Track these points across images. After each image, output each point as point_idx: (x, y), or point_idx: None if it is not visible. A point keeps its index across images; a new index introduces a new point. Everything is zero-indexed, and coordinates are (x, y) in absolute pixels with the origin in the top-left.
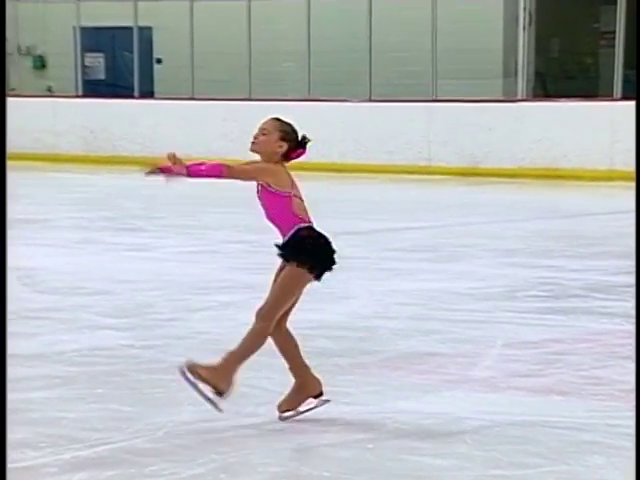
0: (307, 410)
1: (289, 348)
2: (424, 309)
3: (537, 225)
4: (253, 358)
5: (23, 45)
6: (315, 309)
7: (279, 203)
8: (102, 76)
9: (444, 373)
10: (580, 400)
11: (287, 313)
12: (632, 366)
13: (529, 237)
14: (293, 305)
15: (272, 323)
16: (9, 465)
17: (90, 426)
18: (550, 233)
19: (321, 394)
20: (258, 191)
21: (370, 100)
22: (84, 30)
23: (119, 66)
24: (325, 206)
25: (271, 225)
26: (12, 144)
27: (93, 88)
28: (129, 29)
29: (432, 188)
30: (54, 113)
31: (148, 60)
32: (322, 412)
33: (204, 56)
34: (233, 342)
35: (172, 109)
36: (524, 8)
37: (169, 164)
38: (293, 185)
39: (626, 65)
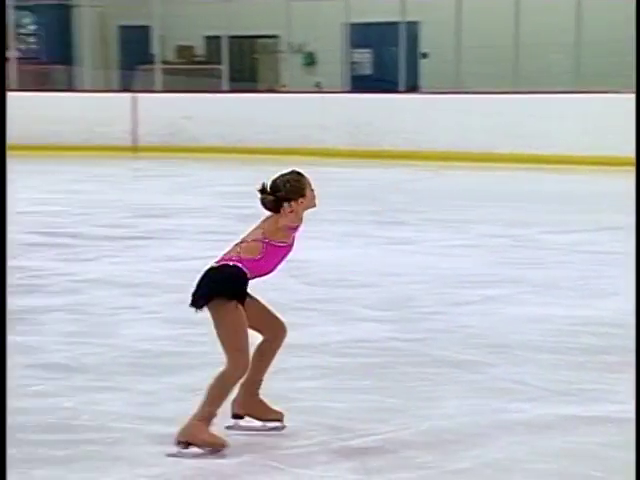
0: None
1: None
2: None
3: None
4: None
5: (294, 42)
6: (580, 305)
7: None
8: (369, 71)
9: None
10: None
11: None
12: None
13: None
14: None
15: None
16: (281, 451)
17: (357, 417)
18: None
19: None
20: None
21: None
22: (353, 26)
23: (385, 61)
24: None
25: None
26: (282, 139)
27: (360, 83)
28: (396, 24)
29: None
30: (322, 108)
31: (414, 55)
32: (588, 410)
33: (470, 50)
34: (497, 336)
35: (437, 103)
36: None
37: None
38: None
39: None
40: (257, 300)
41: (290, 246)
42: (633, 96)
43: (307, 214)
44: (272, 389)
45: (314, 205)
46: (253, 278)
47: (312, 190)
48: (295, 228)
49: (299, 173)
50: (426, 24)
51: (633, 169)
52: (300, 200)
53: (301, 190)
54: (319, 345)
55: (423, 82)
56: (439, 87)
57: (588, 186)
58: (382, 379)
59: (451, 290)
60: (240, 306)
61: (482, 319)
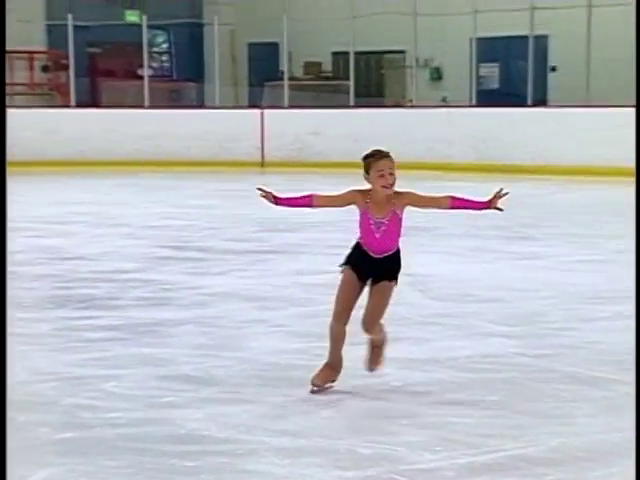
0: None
1: (343, 339)
2: None
3: None
4: None
5: (421, 57)
6: None
7: (400, 226)
8: (496, 85)
9: None
10: None
11: (352, 310)
12: None
13: None
14: (357, 301)
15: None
16: (406, 466)
17: (484, 432)
18: None
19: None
20: (376, 220)
21: None
22: (480, 41)
23: (513, 75)
24: None
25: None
26: (408, 154)
27: (487, 97)
28: (524, 38)
29: None
30: (448, 123)
31: (542, 68)
32: None
33: (600, 62)
34: (627, 353)
35: (565, 117)
36: None
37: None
38: None
39: None
40: (378, 291)
41: (365, 214)
42: None
43: (433, 228)
44: (398, 403)
45: (380, 188)
46: (365, 245)
47: (380, 174)
48: (370, 200)
49: (375, 154)
50: (555, 37)
51: None
52: (365, 176)
53: (366, 167)
54: (445, 360)
55: (551, 96)
56: (568, 101)
57: None
58: (510, 395)
59: (580, 306)
60: (349, 271)
61: (612, 335)
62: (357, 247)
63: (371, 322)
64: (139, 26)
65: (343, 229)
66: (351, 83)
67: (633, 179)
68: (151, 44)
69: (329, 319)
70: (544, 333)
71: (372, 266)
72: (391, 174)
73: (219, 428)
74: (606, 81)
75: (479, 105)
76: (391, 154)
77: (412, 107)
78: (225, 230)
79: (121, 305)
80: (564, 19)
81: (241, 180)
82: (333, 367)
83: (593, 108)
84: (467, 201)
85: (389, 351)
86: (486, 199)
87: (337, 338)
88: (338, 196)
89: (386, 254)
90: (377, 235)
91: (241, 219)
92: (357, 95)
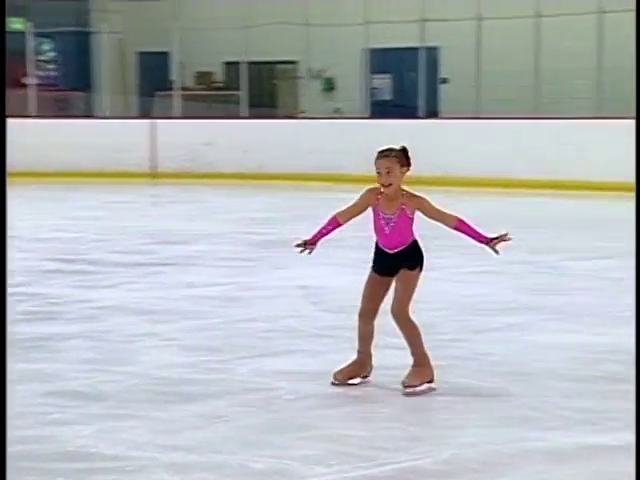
0: (352, 384)
1: (370, 336)
2: None
3: None
4: None
5: (314, 68)
6: (603, 332)
7: (409, 223)
8: (388, 97)
9: None
10: None
11: (378, 310)
12: None
13: None
14: (382, 302)
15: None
16: None
17: (378, 445)
18: None
19: (366, 376)
20: (385, 216)
21: None
22: (372, 52)
23: (405, 87)
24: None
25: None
26: (300, 165)
27: (379, 109)
28: (415, 49)
29: None
30: (340, 134)
31: (433, 80)
32: (612, 440)
33: (490, 75)
34: (518, 364)
35: (456, 129)
36: None
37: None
38: None
39: None
40: (398, 280)
41: (376, 210)
42: None
43: (330, 240)
44: (291, 416)
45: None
46: (378, 241)
47: (377, 172)
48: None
49: (378, 153)
50: (446, 49)
51: None
52: None
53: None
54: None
55: (443, 107)
56: (459, 113)
57: (609, 212)
58: (403, 407)
59: (472, 317)
60: (372, 273)
61: (503, 346)
62: (375, 245)
63: (396, 308)
64: (23, 34)
65: (233, 241)
66: (243, 93)
67: (525, 190)
68: (37, 52)
69: (221, 332)
70: (437, 345)
71: (389, 261)
72: (388, 173)
73: (108, 445)
74: (497, 93)
75: (372, 117)
76: (392, 153)
77: (304, 118)
78: (114, 242)
79: (7, 320)
80: (454, 31)
81: (131, 191)
82: (360, 364)
83: (484, 120)
84: (471, 229)
85: (280, 364)
86: (490, 236)
87: (362, 336)
88: (356, 203)
89: (398, 249)
90: (387, 231)
91: (131, 231)
92: (250, 105)
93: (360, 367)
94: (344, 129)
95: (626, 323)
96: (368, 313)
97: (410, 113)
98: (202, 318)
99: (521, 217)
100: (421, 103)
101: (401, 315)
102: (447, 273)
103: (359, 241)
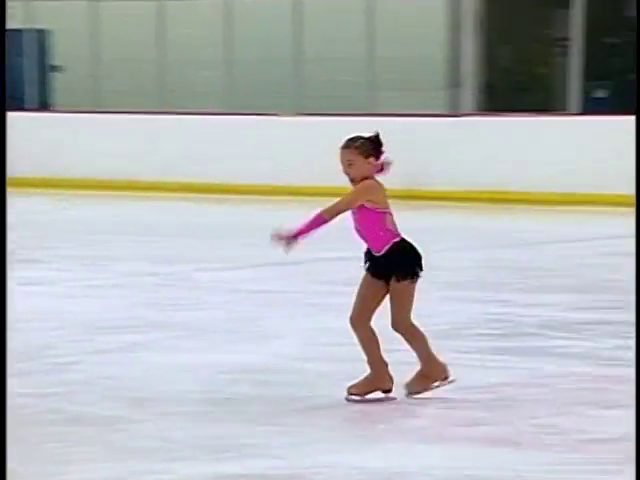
0: (370, 399)
1: (370, 341)
2: (357, 349)
3: (485, 254)
4: None
5: None
6: (237, 350)
7: (373, 219)
8: None
9: (379, 422)
10: (534, 452)
11: (373, 313)
12: (592, 413)
13: (476, 268)
14: (378, 305)
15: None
16: None
17: None
18: (500, 263)
19: (389, 391)
20: (353, 211)
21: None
22: None
23: (13, 75)
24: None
25: (360, 240)
26: None
27: None
28: (21, 32)
29: None
30: None
31: (43, 68)
32: (245, 467)
33: (109, 64)
34: (141, 388)
35: (71, 123)
36: (469, 12)
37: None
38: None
39: (586, 76)
40: (390, 294)
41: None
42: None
43: None
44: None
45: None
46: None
47: (342, 164)
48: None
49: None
50: (58, 32)
51: (307, 198)
52: None
53: None
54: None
55: (56, 99)
56: (75, 105)
57: (252, 219)
58: (15, 443)
59: (91, 337)
60: (366, 274)
61: (126, 369)
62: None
63: (393, 321)
64: None
65: None
66: None
67: (153, 194)
68: None
69: None
70: (52, 369)
71: (374, 262)
72: (350, 165)
73: None
74: (118, 84)
75: None
76: (355, 143)
77: None
78: None
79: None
80: (66, 12)
81: None
82: (374, 376)
83: (102, 114)
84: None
85: None
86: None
87: (362, 342)
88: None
89: (380, 252)
90: (356, 227)
91: None
92: None
93: (376, 380)
94: None
95: (263, 340)
96: (359, 316)
97: (17, 104)
98: None
99: (147, 224)
100: (30, 93)
101: (398, 327)
102: (62, 287)
103: None
